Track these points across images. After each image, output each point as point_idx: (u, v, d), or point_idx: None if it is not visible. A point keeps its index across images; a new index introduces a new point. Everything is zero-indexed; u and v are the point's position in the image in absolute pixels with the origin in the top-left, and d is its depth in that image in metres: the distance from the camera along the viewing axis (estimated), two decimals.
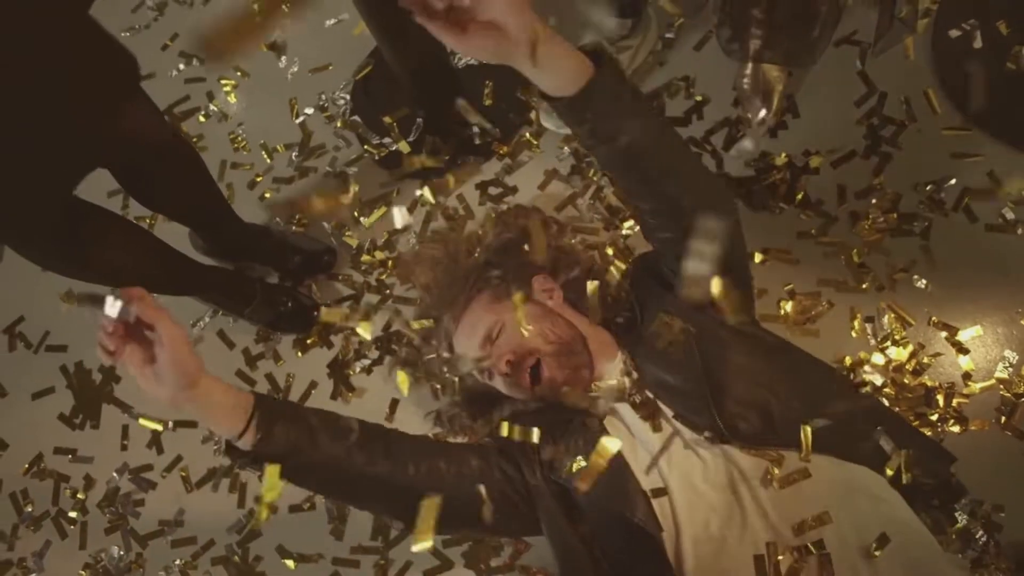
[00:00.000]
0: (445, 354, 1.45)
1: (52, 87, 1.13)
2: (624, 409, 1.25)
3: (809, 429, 1.12)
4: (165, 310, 0.98)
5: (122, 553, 1.73)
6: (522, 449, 1.27)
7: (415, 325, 1.52)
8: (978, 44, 1.54)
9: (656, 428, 1.20)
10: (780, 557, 1.06)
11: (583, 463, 1.19)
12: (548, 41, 0.95)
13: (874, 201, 1.61)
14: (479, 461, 1.26)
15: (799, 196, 1.65)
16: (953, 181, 1.59)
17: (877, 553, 1.05)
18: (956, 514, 1.25)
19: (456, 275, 1.46)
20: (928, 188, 1.60)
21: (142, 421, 1.77)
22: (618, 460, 1.16)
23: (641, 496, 1.16)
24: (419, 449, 1.24)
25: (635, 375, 1.30)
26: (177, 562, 1.68)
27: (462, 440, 1.52)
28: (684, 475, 1.15)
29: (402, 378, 1.35)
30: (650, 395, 1.26)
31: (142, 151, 1.42)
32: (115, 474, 1.80)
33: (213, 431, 1.10)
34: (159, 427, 1.79)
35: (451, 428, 1.53)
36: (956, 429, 1.42)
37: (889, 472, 1.15)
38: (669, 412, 1.22)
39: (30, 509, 1.82)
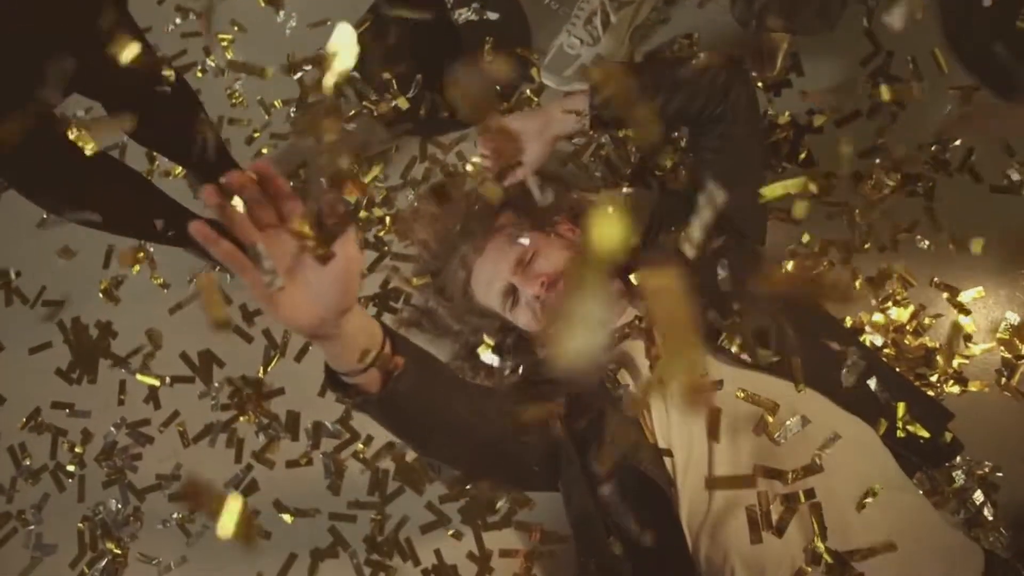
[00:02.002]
0: (457, 296, 1.43)
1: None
2: (635, 362, 1.25)
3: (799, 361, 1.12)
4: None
5: (120, 506, 1.73)
6: (542, 399, 1.26)
7: (415, 281, 1.51)
8: (987, 2, 1.52)
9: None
10: (771, 506, 1.06)
11: (596, 415, 1.20)
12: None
13: (878, 161, 1.59)
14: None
15: (802, 155, 1.63)
16: (958, 141, 1.57)
17: (867, 503, 1.06)
18: (953, 473, 1.25)
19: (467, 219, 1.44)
20: (933, 148, 1.58)
21: (139, 376, 1.78)
22: (633, 418, 1.18)
23: (652, 450, 1.16)
24: (486, 395, 1.23)
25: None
26: (175, 516, 1.69)
27: None
28: (682, 426, 1.16)
29: None
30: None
31: (134, 82, 1.39)
32: (112, 428, 1.80)
33: (333, 365, 0.92)
34: (156, 382, 1.79)
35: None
36: (956, 390, 1.42)
37: (883, 424, 1.15)
38: None
39: (28, 463, 1.82)
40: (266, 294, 0.77)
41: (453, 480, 1.57)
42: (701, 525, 1.12)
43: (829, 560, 1.02)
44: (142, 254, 1.91)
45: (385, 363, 0.92)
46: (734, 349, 1.15)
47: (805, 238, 1.53)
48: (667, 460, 1.15)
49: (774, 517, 1.06)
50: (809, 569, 1.03)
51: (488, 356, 1.40)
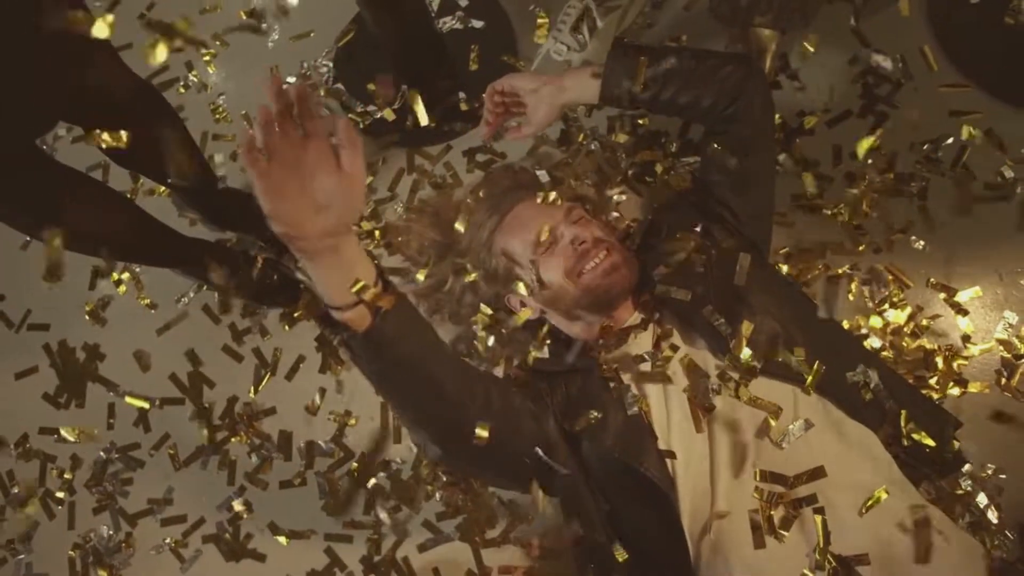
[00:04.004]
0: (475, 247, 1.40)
1: (10, 40, 1.09)
2: (640, 369, 1.23)
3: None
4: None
5: (111, 532, 1.70)
6: (538, 395, 1.26)
7: (420, 276, 1.48)
8: None
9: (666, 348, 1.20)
10: (773, 512, 1.04)
11: (597, 415, 1.19)
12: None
13: (870, 162, 1.57)
14: (520, 399, 1.21)
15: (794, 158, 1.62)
16: (951, 140, 1.56)
17: (868, 510, 1.04)
18: (960, 480, 1.24)
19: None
20: (925, 147, 1.57)
21: (128, 399, 1.76)
22: (635, 418, 1.17)
23: (655, 452, 1.15)
24: (483, 379, 1.18)
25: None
26: (167, 540, 1.66)
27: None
28: (683, 428, 1.15)
29: None
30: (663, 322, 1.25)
31: (110, 104, 1.37)
32: (102, 453, 1.77)
33: (328, 295, 0.95)
34: (146, 405, 1.76)
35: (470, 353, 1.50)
36: (956, 392, 1.40)
37: (887, 431, 1.14)
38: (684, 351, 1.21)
39: (16, 490, 1.79)
40: (279, 199, 0.87)
41: (448, 496, 1.55)
42: (703, 529, 1.10)
43: (833, 564, 1.00)
44: (127, 274, 1.88)
45: (376, 299, 0.95)
46: (743, 355, 1.13)
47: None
48: (668, 462, 1.14)
49: (777, 522, 1.04)
50: (812, 574, 1.01)
51: (488, 339, 1.38)
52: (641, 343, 1.25)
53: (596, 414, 1.19)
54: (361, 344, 0.98)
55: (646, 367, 1.21)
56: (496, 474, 1.35)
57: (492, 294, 1.39)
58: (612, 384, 1.21)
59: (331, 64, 1.99)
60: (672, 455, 1.14)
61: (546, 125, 1.40)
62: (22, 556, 1.74)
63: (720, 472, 1.11)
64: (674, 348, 1.21)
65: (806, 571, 1.02)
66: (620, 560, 1.18)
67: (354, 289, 0.92)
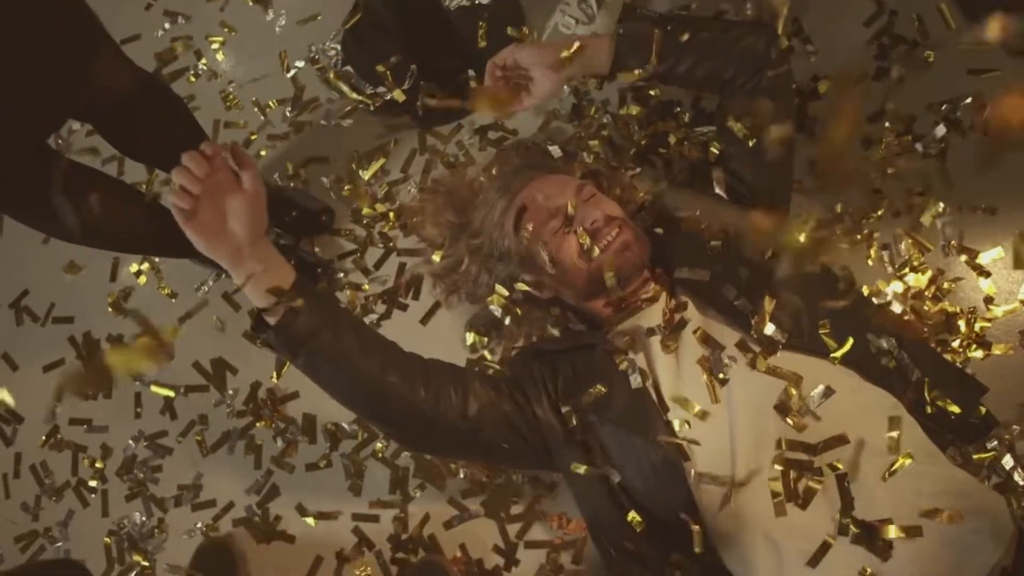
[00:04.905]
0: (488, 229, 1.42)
1: (13, 41, 1.09)
2: (651, 343, 1.23)
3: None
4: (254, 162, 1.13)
5: (144, 519, 1.73)
6: (532, 380, 1.28)
7: (436, 257, 1.50)
8: None
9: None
10: (794, 480, 1.04)
11: (602, 390, 1.21)
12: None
13: (887, 124, 1.55)
14: (492, 392, 1.27)
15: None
16: (969, 99, 1.53)
17: (891, 475, 1.04)
18: (988, 444, 1.23)
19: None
20: (943, 107, 1.54)
21: (154, 388, 1.78)
22: (639, 392, 1.18)
23: (663, 425, 1.16)
24: (432, 372, 1.25)
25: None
26: (199, 525, 1.69)
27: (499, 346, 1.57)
28: (698, 399, 1.15)
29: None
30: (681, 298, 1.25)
31: (117, 101, 1.38)
32: (131, 442, 1.80)
33: (253, 299, 1.13)
34: (171, 393, 1.78)
35: (490, 333, 1.55)
36: (979, 355, 1.39)
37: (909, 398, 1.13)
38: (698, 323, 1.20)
39: (50, 481, 1.82)
40: (210, 238, 1.10)
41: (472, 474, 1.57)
42: (723, 499, 1.10)
43: (856, 531, 1.00)
44: (147, 265, 1.90)
45: (289, 298, 1.11)
46: (768, 330, 1.13)
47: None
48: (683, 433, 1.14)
49: (799, 489, 1.04)
50: (835, 540, 1.02)
51: (497, 309, 1.40)
52: (652, 316, 1.25)
53: (601, 388, 1.21)
54: (274, 340, 1.14)
55: (656, 340, 1.21)
56: (467, 457, 1.46)
57: (507, 274, 1.39)
58: (616, 358, 1.22)
59: (339, 47, 1.98)
60: (686, 427, 1.14)
61: (549, 97, 1.33)
62: (60, 543, 1.78)
63: (740, 442, 1.11)
64: (684, 321, 1.20)
65: (829, 536, 1.02)
66: (637, 530, 1.19)
67: (270, 293, 1.11)
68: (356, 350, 1.17)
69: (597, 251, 1.26)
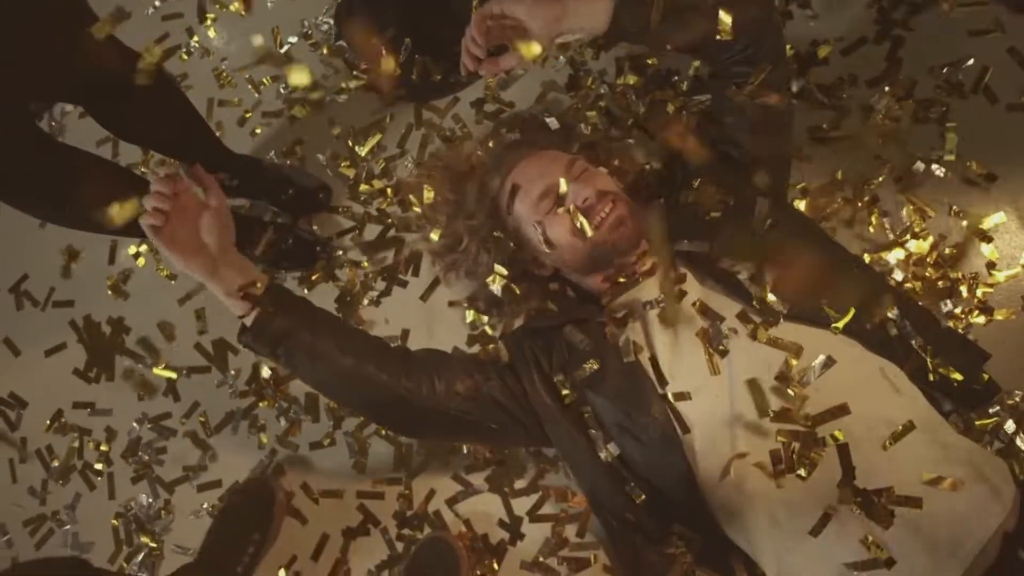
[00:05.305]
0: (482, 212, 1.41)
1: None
2: (649, 316, 1.23)
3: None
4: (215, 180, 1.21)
5: (150, 500, 1.74)
6: (524, 360, 1.29)
7: (434, 236, 1.50)
8: None
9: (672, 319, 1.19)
10: (795, 450, 1.04)
11: (595, 365, 1.22)
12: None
13: (887, 88, 1.53)
14: (477, 376, 1.29)
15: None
16: (971, 61, 1.50)
17: (893, 444, 1.04)
18: (990, 410, 1.23)
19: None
20: (944, 70, 1.52)
21: (156, 370, 1.78)
22: (632, 366, 1.18)
23: (658, 399, 1.16)
24: (414, 361, 1.29)
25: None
26: (205, 506, 1.70)
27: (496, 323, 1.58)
28: (697, 371, 1.14)
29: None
30: (681, 270, 1.24)
31: (106, 82, 1.36)
32: (135, 424, 1.80)
33: (232, 307, 1.22)
34: (173, 375, 1.79)
35: (490, 311, 1.56)
36: (981, 320, 1.38)
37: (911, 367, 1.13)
38: (697, 294, 1.20)
39: (56, 464, 1.83)
40: (187, 255, 1.16)
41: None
42: (723, 471, 1.10)
43: (857, 500, 1.00)
44: (145, 247, 1.89)
45: (265, 303, 1.20)
46: (770, 298, 1.12)
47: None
48: (681, 406, 1.14)
49: (800, 460, 1.04)
50: (837, 510, 1.02)
51: (497, 288, 1.40)
52: (651, 289, 1.24)
53: (595, 363, 1.21)
54: (251, 340, 1.22)
55: (655, 312, 1.20)
56: (459, 439, 1.51)
57: (505, 253, 1.38)
58: (608, 332, 1.21)
59: (332, 21, 1.95)
60: (686, 396, 1.14)
61: (541, 53, 1.23)
62: (68, 527, 1.79)
63: (740, 413, 1.11)
64: (682, 293, 1.19)
65: (830, 506, 1.02)
66: (636, 501, 1.20)
67: (241, 297, 1.19)
68: (333, 344, 1.23)
69: (590, 230, 1.25)
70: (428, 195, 1.53)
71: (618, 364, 1.19)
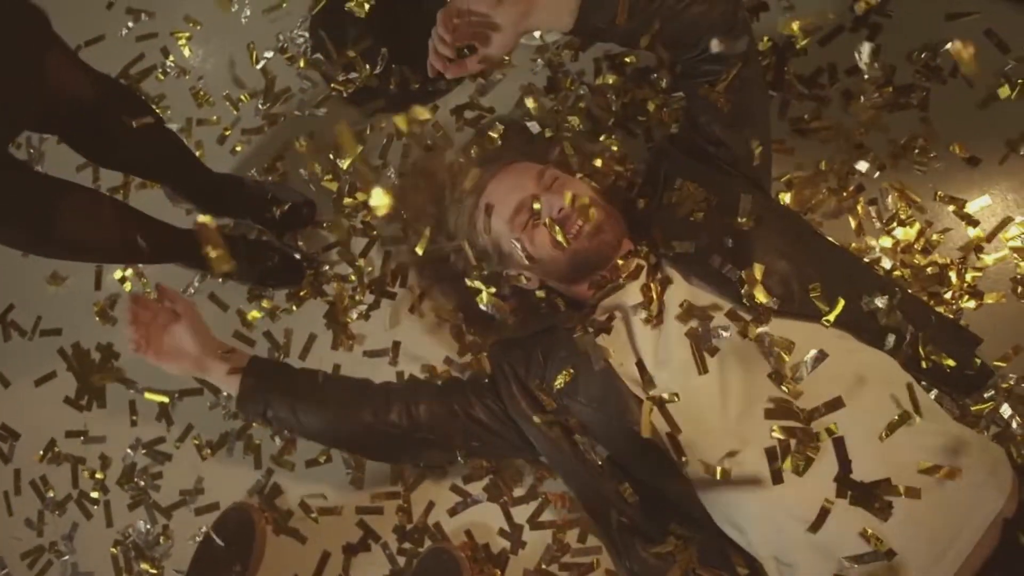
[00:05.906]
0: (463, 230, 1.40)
1: None
2: (629, 314, 1.22)
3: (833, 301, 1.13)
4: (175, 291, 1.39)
5: (148, 527, 1.73)
6: (503, 375, 1.31)
7: (419, 249, 1.47)
8: None
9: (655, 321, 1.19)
10: (790, 445, 1.03)
11: (569, 373, 1.24)
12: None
13: (867, 76, 1.52)
14: (456, 399, 1.34)
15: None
16: (949, 45, 1.50)
17: (888, 435, 1.03)
18: (985, 394, 1.22)
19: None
20: (923, 56, 1.51)
21: (148, 395, 1.77)
22: (608, 371, 1.19)
23: (637, 404, 1.16)
24: (393, 395, 1.36)
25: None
26: (203, 529, 1.68)
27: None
28: (685, 371, 1.14)
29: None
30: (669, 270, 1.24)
31: (76, 108, 1.34)
32: (129, 450, 1.79)
33: (226, 389, 1.40)
34: (165, 399, 1.77)
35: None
36: (972, 305, 1.38)
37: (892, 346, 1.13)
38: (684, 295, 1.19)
39: (52, 494, 1.82)
40: (173, 359, 1.35)
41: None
42: (717, 468, 1.09)
43: (854, 492, 1.00)
44: (130, 271, 1.88)
45: (243, 382, 1.36)
46: (760, 296, 1.12)
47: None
48: (669, 407, 1.13)
49: (795, 455, 1.03)
50: (834, 503, 1.01)
51: (487, 305, 1.39)
52: (634, 292, 1.24)
53: (569, 372, 1.24)
54: (240, 409, 1.38)
55: (640, 315, 1.20)
56: (446, 459, 1.54)
57: (490, 271, 1.38)
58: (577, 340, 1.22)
59: (307, 35, 1.94)
60: (672, 400, 1.14)
61: (502, 54, 1.23)
62: (67, 557, 1.78)
63: (733, 411, 1.11)
64: (663, 286, 1.20)
65: (827, 499, 1.02)
66: (630, 501, 1.20)
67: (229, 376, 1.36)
68: (313, 402, 1.36)
69: (565, 241, 1.23)
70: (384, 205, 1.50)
71: (594, 371, 1.19)
